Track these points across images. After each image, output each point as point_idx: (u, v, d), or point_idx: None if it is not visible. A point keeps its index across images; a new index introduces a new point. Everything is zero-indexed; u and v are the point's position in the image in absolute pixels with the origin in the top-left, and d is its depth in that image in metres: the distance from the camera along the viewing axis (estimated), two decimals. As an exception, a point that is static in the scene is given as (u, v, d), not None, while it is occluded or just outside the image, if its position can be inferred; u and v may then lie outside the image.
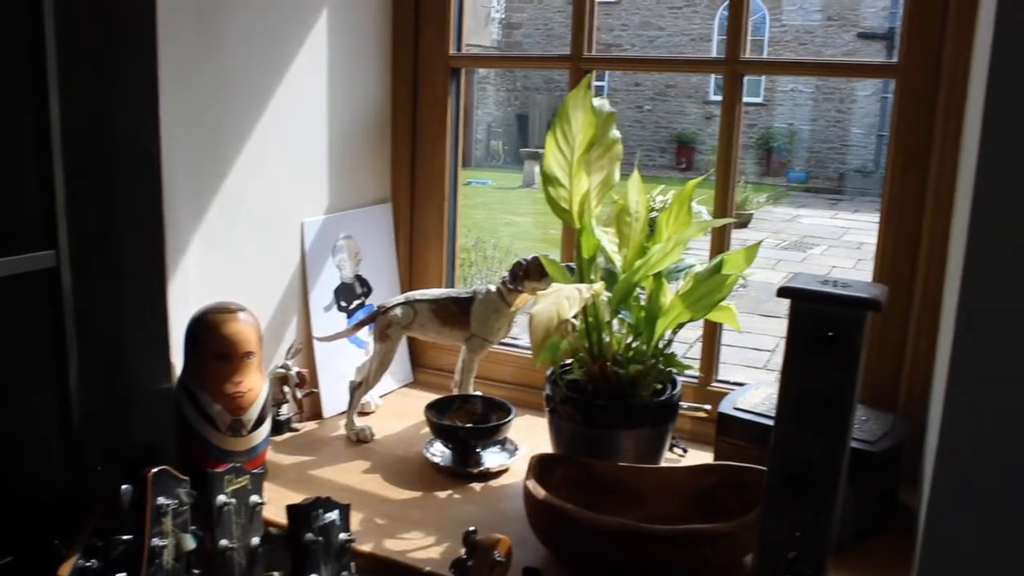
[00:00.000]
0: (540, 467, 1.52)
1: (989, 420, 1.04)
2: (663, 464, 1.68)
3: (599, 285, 1.48)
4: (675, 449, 1.84)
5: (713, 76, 22.80)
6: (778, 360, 6.64)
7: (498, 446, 1.83)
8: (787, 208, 16.38)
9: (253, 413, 1.60)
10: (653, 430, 1.61)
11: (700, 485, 1.55)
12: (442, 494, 1.70)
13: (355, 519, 1.54)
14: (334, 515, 1.33)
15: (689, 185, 1.59)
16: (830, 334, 1.10)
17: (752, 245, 1.54)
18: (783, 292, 1.12)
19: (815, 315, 1.11)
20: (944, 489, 1.10)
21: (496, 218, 13.18)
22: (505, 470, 1.78)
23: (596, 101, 1.60)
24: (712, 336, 1.91)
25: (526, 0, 25.42)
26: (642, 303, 1.60)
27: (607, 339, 1.60)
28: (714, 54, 23.14)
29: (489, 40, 24.62)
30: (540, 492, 1.43)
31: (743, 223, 13.72)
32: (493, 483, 1.75)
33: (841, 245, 12.65)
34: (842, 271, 10.84)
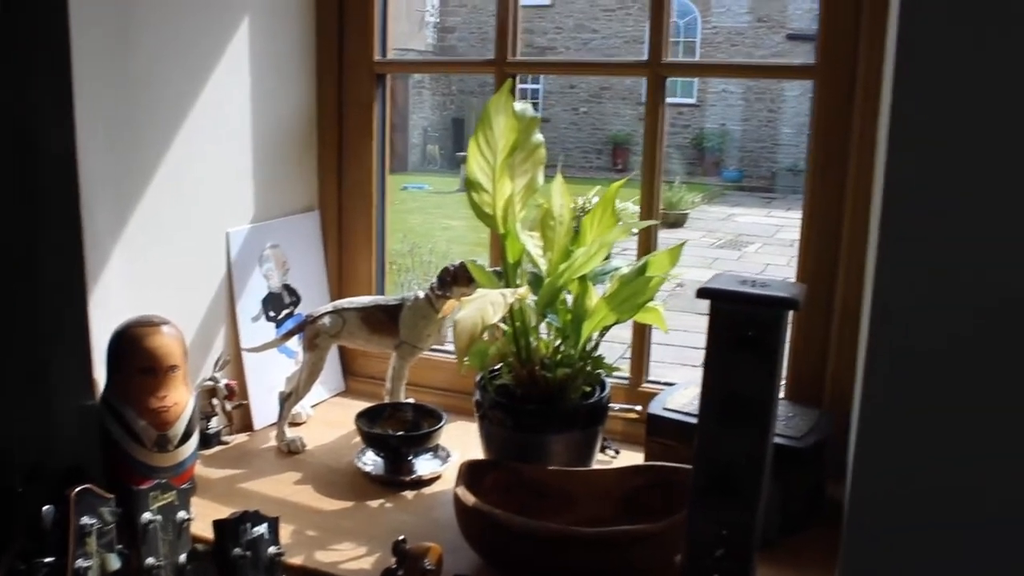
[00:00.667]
0: (470, 473, 1.52)
1: (905, 413, 1.06)
2: (594, 466, 1.68)
3: (524, 289, 1.48)
4: (607, 451, 1.85)
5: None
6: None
7: (430, 453, 1.82)
8: (722, 207, 16.58)
9: (179, 428, 1.57)
10: (583, 433, 1.62)
11: (630, 486, 1.56)
12: (374, 503, 1.69)
13: (286, 532, 1.52)
14: (262, 529, 1.31)
15: (612, 187, 1.60)
16: (749, 334, 1.11)
17: (676, 246, 1.56)
18: (702, 293, 1.13)
19: (734, 315, 1.12)
20: (864, 482, 1.12)
21: (433, 223, 13.14)
22: (438, 477, 1.77)
23: (519, 105, 1.60)
24: (642, 337, 1.93)
25: (460, 4, 25.43)
26: (569, 306, 1.60)
27: (534, 343, 1.60)
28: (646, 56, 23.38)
29: (424, 44, 24.56)
30: (469, 499, 1.42)
31: (678, 223, 13.85)
32: (426, 491, 1.74)
33: (775, 242, 12.84)
34: (776, 268, 11.01)
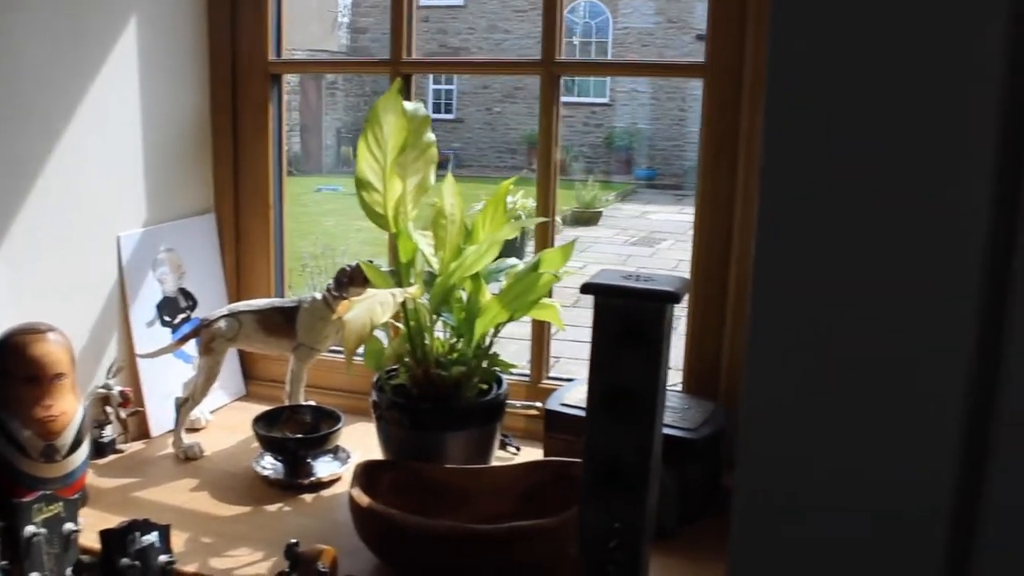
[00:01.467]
0: (366, 474, 1.51)
1: (786, 404, 1.08)
2: (494, 464, 1.69)
3: (414, 288, 1.48)
4: (508, 448, 1.86)
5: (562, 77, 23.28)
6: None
7: (330, 455, 1.81)
8: (635, 205, 16.77)
9: (67, 437, 1.53)
10: (480, 431, 1.62)
11: (529, 482, 1.56)
12: (272, 508, 1.67)
13: (180, 539, 1.49)
14: (152, 537, 1.29)
15: (503, 186, 1.61)
16: (633, 328, 1.13)
17: (568, 243, 1.57)
18: (586, 288, 1.14)
19: (618, 310, 1.13)
20: (749, 473, 1.13)
21: (347, 224, 13.03)
22: (337, 479, 1.76)
23: (410, 105, 1.59)
24: (540, 334, 1.94)
25: (372, 4, 25.26)
26: (464, 305, 1.61)
27: (430, 342, 1.59)
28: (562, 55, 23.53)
29: (337, 45, 24.34)
30: (364, 500, 1.41)
31: (592, 221, 13.97)
32: (325, 493, 1.73)
33: (687, 239, 12.95)
34: (688, 264, 11.15)
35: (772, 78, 1.03)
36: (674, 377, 1.91)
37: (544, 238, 1.85)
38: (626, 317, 1.13)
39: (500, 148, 22.78)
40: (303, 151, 21.41)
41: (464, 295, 1.61)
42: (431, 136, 1.61)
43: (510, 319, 1.57)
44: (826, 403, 1.08)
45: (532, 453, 1.83)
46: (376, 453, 1.70)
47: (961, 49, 0.88)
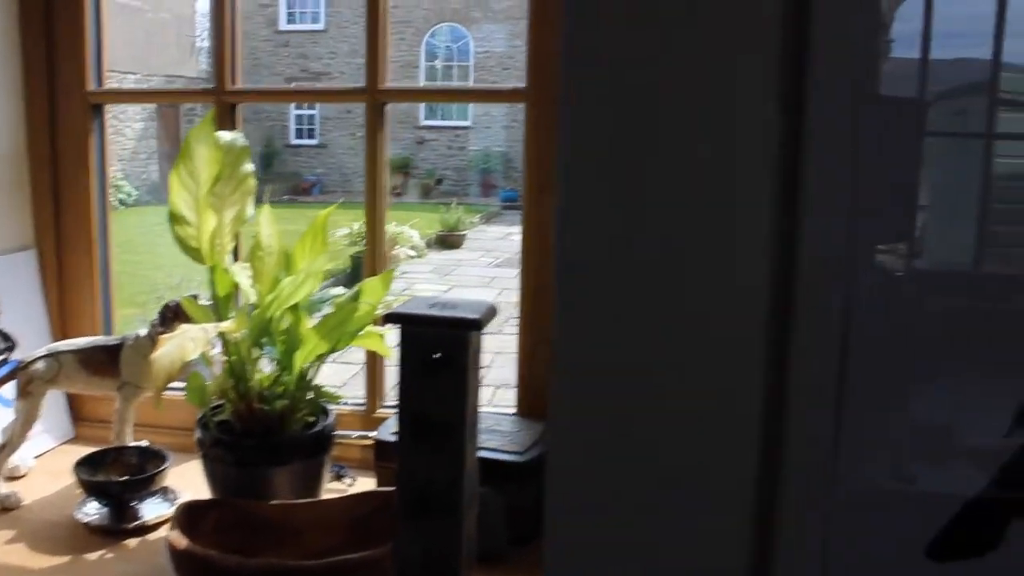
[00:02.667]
0: (187, 515, 1.47)
1: (586, 421, 1.10)
2: (326, 496, 1.67)
3: (228, 323, 1.45)
4: (343, 479, 1.84)
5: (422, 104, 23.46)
6: (495, 375, 6.82)
7: (158, 496, 1.75)
8: (500, 227, 16.89)
9: None
10: (308, 463, 1.60)
11: (358, 513, 1.55)
12: (93, 556, 1.60)
13: (-11, 595, 1.43)
14: (-47, 596, 1.22)
15: (322, 215, 1.59)
16: (437, 356, 1.13)
17: (387, 272, 1.57)
18: (389, 319, 1.14)
19: (422, 338, 1.14)
20: (558, 490, 1.15)
21: (207, 254, 12.72)
22: (164, 521, 1.70)
23: (228, 135, 1.57)
24: (373, 364, 1.92)
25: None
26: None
27: (251, 377, 1.57)
28: (422, 80, 23.62)
29: (196, 71, 23.79)
30: (182, 542, 1.37)
31: (456, 244, 14.01)
32: (151, 537, 1.67)
33: (551, 260, 13.15)
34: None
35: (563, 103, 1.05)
36: (510, 399, 1.93)
37: (372, 266, 1.84)
38: (431, 346, 1.13)
39: (364, 173, 22.63)
40: (161, 179, 20.83)
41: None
42: (249, 167, 1.58)
43: (333, 350, 1.55)
44: (628, 421, 1.10)
45: (367, 483, 1.81)
46: (206, 492, 1.66)
47: (731, 71, 0.92)
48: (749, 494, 1.01)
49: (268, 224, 1.56)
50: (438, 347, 1.13)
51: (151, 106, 20.17)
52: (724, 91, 0.97)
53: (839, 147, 0.91)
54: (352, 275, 10.56)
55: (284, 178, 22.56)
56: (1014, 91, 0.94)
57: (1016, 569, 0.97)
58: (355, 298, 1.54)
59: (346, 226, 10.58)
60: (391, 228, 12.21)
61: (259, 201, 1.51)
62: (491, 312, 1.16)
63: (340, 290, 1.65)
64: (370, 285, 1.55)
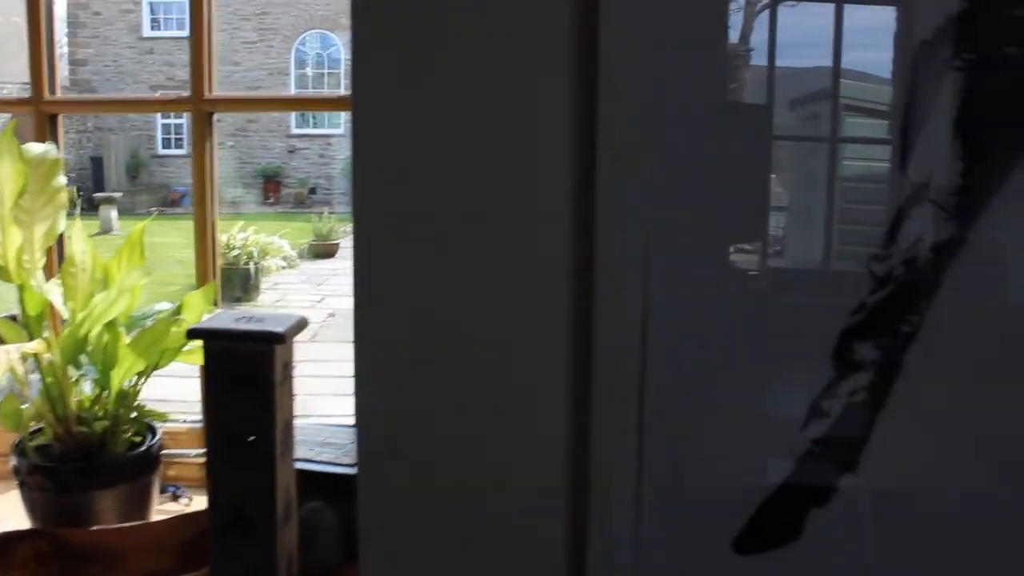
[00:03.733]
0: (1, 548, 1.40)
1: (394, 427, 1.10)
2: (157, 518, 1.62)
3: (35, 344, 1.40)
4: (179, 500, 1.79)
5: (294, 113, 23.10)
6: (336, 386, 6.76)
7: (-23, 528, 1.68)
8: (375, 235, 16.72)
9: None
10: (133, 485, 1.55)
11: (188, 534, 1.50)
12: (-98, 593, 1.52)
13: None
14: None
15: (137, 228, 1.55)
16: (243, 371, 1.11)
17: (208, 285, 1.53)
18: (192, 334, 1.11)
19: (226, 353, 1.11)
20: (368, 496, 1.14)
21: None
22: (-20, 554, 1.63)
23: (39, 147, 1.51)
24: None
25: (92, 35, 24.08)
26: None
27: (68, 398, 1.51)
28: (292, 88, 23.29)
29: (59, 78, 22.94)
30: (-10, 575, 1.32)
31: (330, 254, 13.87)
32: (-35, 571, 1.60)
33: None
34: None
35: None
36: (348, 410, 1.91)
37: (205, 275, 1.80)
38: (235, 361, 1.11)
39: (235, 183, 22.19)
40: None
41: (110, 345, 1.54)
42: (62, 180, 1.53)
43: (156, 367, 1.51)
44: (431, 432, 1.10)
45: (205, 503, 1.77)
46: (25, 522, 1.59)
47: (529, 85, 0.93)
48: (560, 492, 1.02)
49: (80, 239, 1.51)
50: (243, 362, 1.11)
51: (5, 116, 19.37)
52: (517, 98, 0.98)
53: (630, 155, 0.93)
54: (222, 287, 10.35)
55: (152, 189, 21.96)
56: (855, 97, 0.98)
57: (818, 557, 1.00)
58: (176, 313, 1.50)
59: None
60: (261, 239, 12.01)
61: (130, 213, 1.45)
62: (298, 325, 1.15)
63: (165, 305, 1.60)
64: (191, 299, 1.51)
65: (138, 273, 1.48)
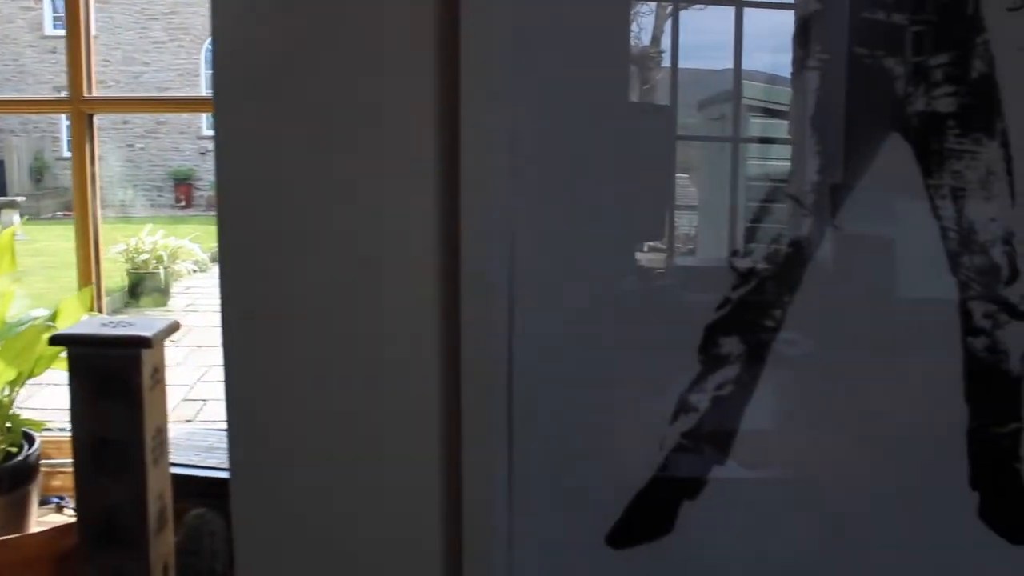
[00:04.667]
0: None
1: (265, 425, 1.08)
2: (35, 530, 1.58)
3: None
4: (65, 510, 1.75)
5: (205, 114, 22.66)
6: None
7: None
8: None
9: None
10: (10, 497, 1.51)
11: (65, 546, 1.47)
12: None
13: None
14: None
15: (7, 233, 1.51)
16: (109, 377, 1.09)
17: (86, 289, 1.50)
18: (55, 340, 1.09)
19: (92, 359, 1.09)
20: (240, 500, 1.12)
21: None
22: None
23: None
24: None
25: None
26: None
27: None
28: (203, 89, 22.86)
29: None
30: None
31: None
32: None
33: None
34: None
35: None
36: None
37: (88, 278, 1.75)
38: (101, 366, 1.09)
39: (146, 186, 21.71)
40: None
41: None
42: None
43: (30, 375, 1.47)
44: (304, 428, 1.09)
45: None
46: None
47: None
48: (434, 483, 1.02)
49: (-49, 245, 1.46)
50: (109, 368, 1.09)
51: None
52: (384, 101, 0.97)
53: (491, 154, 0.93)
54: (130, 291, 10.11)
55: (58, 192, 21.36)
56: (756, 98, 1.00)
57: (690, 549, 1.02)
58: (50, 319, 1.46)
59: (123, 242, 10.15)
60: (171, 242, 11.75)
61: (35, 217, 1.40)
62: (168, 329, 1.13)
63: (41, 312, 1.56)
64: (67, 305, 1.48)
65: (8, 279, 1.44)
